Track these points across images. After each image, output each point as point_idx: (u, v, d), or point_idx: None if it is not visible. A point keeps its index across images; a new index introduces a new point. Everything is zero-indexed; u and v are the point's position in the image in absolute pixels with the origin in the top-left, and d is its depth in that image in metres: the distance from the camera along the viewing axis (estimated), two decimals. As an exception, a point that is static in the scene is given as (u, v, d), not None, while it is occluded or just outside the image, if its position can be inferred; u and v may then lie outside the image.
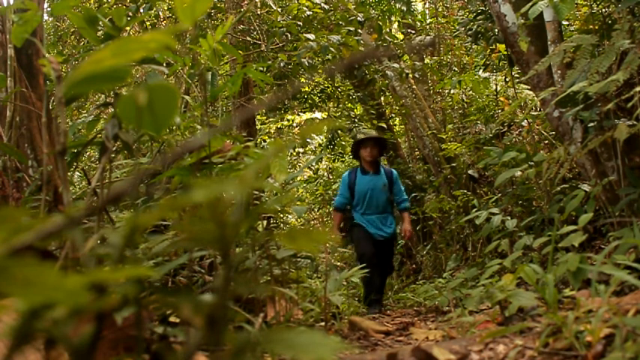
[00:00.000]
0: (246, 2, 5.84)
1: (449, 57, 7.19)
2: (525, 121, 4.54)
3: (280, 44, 5.88)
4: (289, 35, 5.71)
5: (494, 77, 5.89)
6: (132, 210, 2.09)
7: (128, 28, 6.51)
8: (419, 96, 6.83)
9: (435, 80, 7.19)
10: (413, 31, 7.87)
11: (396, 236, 4.69)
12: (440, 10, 7.95)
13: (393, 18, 7.45)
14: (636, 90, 2.13)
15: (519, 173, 3.41)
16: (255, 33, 6.11)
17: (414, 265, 7.11)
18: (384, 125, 7.69)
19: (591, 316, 1.15)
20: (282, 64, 5.74)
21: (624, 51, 2.32)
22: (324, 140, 9.47)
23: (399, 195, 4.64)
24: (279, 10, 5.80)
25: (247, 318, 1.54)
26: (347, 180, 4.62)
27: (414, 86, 6.89)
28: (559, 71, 2.98)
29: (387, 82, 6.95)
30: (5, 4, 2.85)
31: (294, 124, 8.42)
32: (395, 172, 4.71)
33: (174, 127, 2.23)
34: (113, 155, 1.89)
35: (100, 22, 1.44)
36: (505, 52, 4.98)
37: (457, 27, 6.64)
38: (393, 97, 7.40)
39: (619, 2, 2.61)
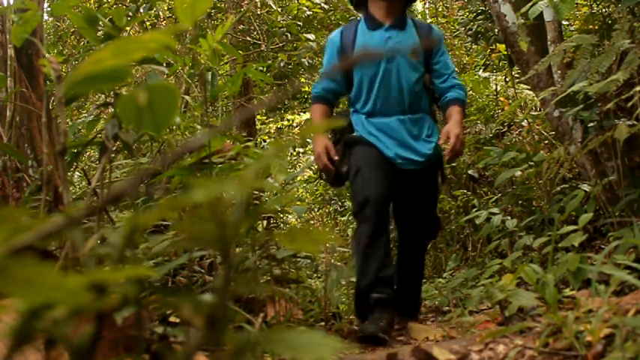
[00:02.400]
0: (246, 2, 5.84)
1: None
2: (525, 121, 4.54)
3: (280, 44, 5.88)
4: (289, 35, 5.71)
5: (494, 77, 5.88)
6: (132, 210, 2.09)
7: (128, 28, 6.51)
8: (419, 96, 6.83)
9: (435, 80, 7.17)
10: (413, 31, 7.86)
11: (441, 163, 2.42)
12: (440, 10, 7.95)
13: (393, 18, 7.44)
14: (636, 90, 2.13)
15: (519, 173, 3.41)
16: (255, 33, 6.11)
17: (414, 265, 7.10)
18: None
19: (591, 316, 1.15)
20: (282, 64, 5.74)
21: (624, 51, 2.32)
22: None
23: (446, 74, 2.37)
24: (279, 10, 5.80)
25: (247, 318, 1.54)
26: (337, 44, 2.39)
27: (414, 86, 6.88)
28: (559, 71, 2.98)
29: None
30: (5, 4, 2.85)
31: (294, 124, 8.42)
32: (436, 29, 2.50)
33: (174, 127, 2.23)
34: (113, 155, 1.89)
35: (100, 22, 1.44)
36: (505, 52, 4.98)
37: (457, 27, 6.63)
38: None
39: (619, 2, 2.61)
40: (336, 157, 2.29)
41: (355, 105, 2.41)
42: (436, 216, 2.48)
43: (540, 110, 3.86)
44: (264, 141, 8.01)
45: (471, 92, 6.14)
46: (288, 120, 8.39)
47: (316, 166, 2.36)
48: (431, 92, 2.43)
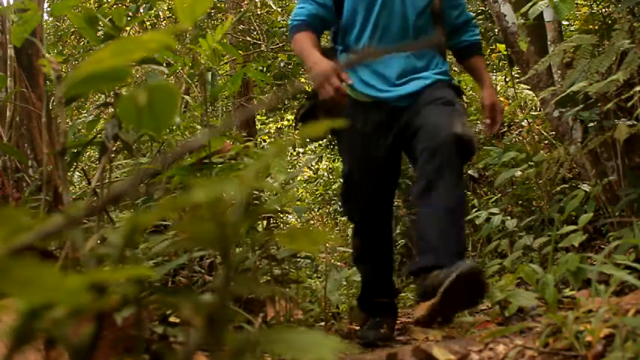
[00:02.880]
0: (246, 2, 5.84)
1: (449, 57, 7.18)
2: (525, 121, 4.54)
3: (280, 44, 5.88)
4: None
5: (494, 77, 5.89)
6: (132, 210, 2.09)
7: (128, 28, 6.51)
8: (419, 96, 6.82)
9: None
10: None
11: (455, 90, 1.94)
12: (440, 10, 7.95)
13: (393, 18, 7.44)
14: (636, 90, 2.13)
15: (519, 173, 3.41)
16: (255, 33, 6.11)
17: (414, 265, 7.07)
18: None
19: (591, 316, 1.15)
20: (282, 64, 5.74)
21: (624, 51, 2.32)
22: (325, 140, 9.46)
23: (461, 4, 1.99)
24: (279, 10, 5.80)
25: (247, 318, 1.54)
26: None
27: (414, 86, 6.87)
28: (559, 71, 2.98)
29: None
30: (5, 4, 2.85)
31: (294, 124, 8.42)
32: None
33: (174, 127, 2.23)
34: (113, 155, 1.89)
35: (100, 22, 1.44)
36: (505, 52, 4.98)
37: (457, 27, 6.63)
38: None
39: (619, 2, 2.61)
40: (350, 81, 1.74)
41: (345, 39, 1.93)
42: (467, 128, 1.69)
43: (540, 110, 3.86)
44: (264, 141, 8.01)
45: (471, 92, 6.14)
46: (288, 120, 8.40)
47: (321, 93, 1.73)
48: (439, 22, 1.94)
